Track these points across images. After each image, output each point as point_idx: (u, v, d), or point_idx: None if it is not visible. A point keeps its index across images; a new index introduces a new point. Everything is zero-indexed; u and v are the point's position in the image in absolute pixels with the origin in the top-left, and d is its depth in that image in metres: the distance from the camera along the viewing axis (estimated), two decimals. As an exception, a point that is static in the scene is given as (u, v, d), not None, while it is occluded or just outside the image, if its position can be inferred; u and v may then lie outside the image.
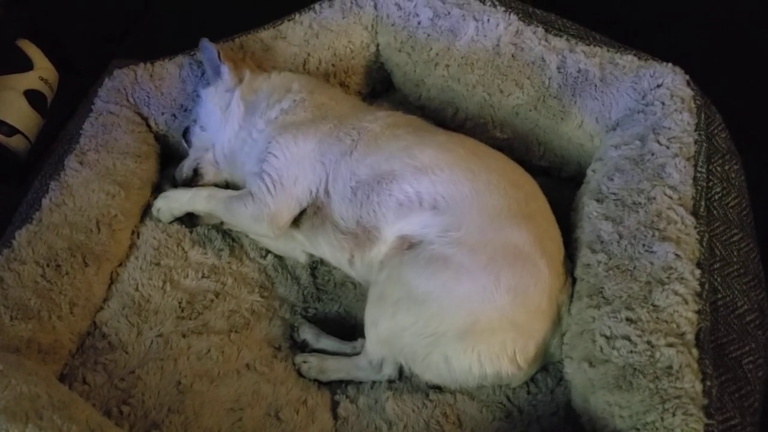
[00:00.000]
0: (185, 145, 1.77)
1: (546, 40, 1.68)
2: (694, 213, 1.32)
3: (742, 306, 1.27)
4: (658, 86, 1.55)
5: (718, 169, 1.42)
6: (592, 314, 1.28)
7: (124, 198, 1.62)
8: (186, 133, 1.76)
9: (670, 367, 1.14)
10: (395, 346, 1.38)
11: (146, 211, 1.69)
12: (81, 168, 1.61)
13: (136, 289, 1.54)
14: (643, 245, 1.30)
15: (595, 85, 1.62)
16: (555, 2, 1.82)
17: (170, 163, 1.86)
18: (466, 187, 1.40)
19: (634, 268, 1.28)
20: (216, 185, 1.69)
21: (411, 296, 1.33)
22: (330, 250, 1.55)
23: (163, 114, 1.82)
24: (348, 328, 1.65)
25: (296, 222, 1.56)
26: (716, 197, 1.38)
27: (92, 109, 1.75)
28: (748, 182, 1.48)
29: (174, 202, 1.64)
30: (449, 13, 1.77)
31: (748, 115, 1.83)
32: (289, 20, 1.88)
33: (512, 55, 1.71)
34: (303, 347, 1.60)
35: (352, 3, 1.88)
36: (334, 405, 1.46)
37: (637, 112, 1.55)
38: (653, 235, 1.30)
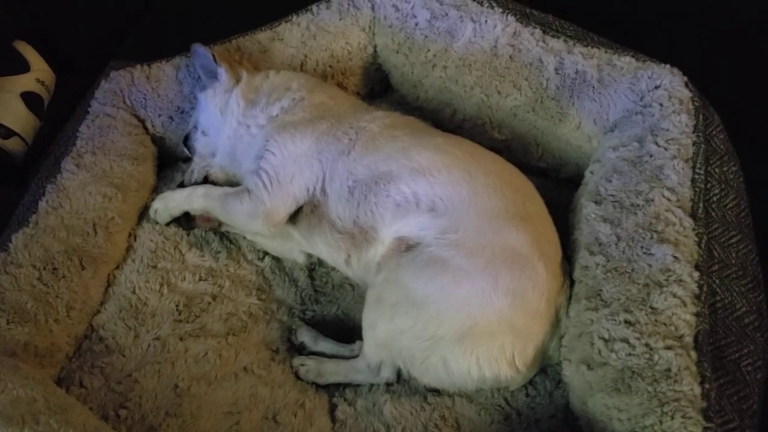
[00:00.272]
0: (184, 149, 1.76)
1: (544, 42, 1.68)
2: (693, 215, 1.32)
3: (740, 308, 1.27)
4: (656, 87, 1.54)
5: (717, 170, 1.42)
6: (590, 317, 1.28)
7: (121, 200, 1.61)
8: (187, 139, 1.75)
9: (668, 369, 1.14)
10: (393, 349, 1.38)
11: (143, 214, 1.69)
12: (78, 170, 1.60)
13: (133, 292, 1.54)
14: (642, 247, 1.30)
15: (593, 87, 1.62)
16: (553, 3, 1.82)
17: (167, 165, 1.86)
18: (464, 189, 1.40)
19: (633, 270, 1.28)
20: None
21: (409, 299, 1.32)
22: (327, 249, 1.55)
23: (160, 116, 1.81)
24: (346, 331, 1.65)
25: (293, 220, 1.56)
26: (714, 199, 1.38)
27: (89, 111, 1.75)
28: (746, 184, 1.48)
29: (171, 201, 1.63)
30: (447, 14, 1.77)
31: (746, 117, 1.83)
32: (286, 22, 1.88)
33: (510, 57, 1.71)
34: (301, 350, 1.60)
35: (349, 4, 1.88)
36: (332, 408, 1.46)
37: (635, 113, 1.55)
38: (651, 237, 1.30)
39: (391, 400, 1.42)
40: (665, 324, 1.19)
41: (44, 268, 1.43)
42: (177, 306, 1.53)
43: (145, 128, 1.81)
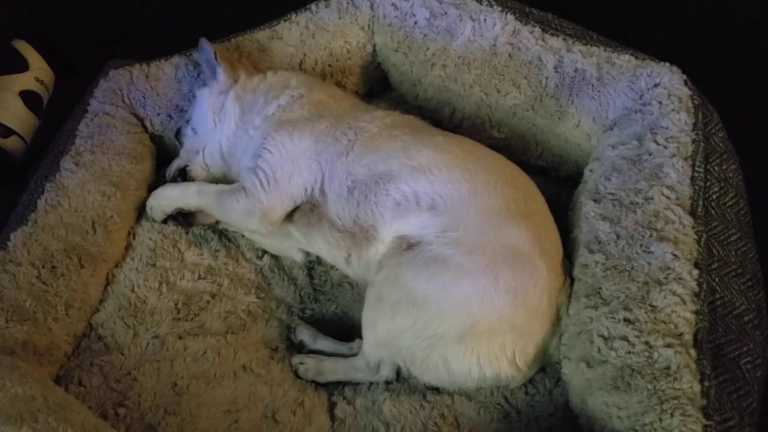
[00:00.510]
0: (178, 145, 1.77)
1: (543, 40, 1.68)
2: (692, 213, 1.32)
3: (740, 306, 1.27)
4: (656, 86, 1.55)
5: (716, 168, 1.42)
6: (589, 315, 1.28)
7: (120, 199, 1.61)
8: (178, 133, 1.76)
9: (668, 367, 1.13)
10: (393, 347, 1.38)
11: (142, 212, 1.69)
12: (77, 169, 1.60)
13: (132, 291, 1.53)
14: (641, 245, 1.30)
15: (592, 85, 1.62)
16: (552, 2, 1.82)
17: (166, 163, 1.85)
18: (464, 188, 1.39)
19: (632, 268, 1.28)
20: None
21: (409, 298, 1.32)
22: (326, 247, 1.54)
23: (158, 115, 1.81)
24: (345, 329, 1.65)
25: (291, 218, 1.55)
26: (714, 197, 1.38)
27: (88, 109, 1.75)
28: (745, 182, 1.48)
29: (164, 199, 1.63)
30: (446, 13, 1.77)
31: (745, 115, 1.84)
32: (285, 20, 1.88)
33: (509, 55, 1.71)
34: (300, 348, 1.59)
35: (348, 3, 1.88)
36: (331, 406, 1.45)
37: (634, 111, 1.55)
38: (651, 236, 1.30)
39: (391, 399, 1.41)
40: (665, 322, 1.19)
41: (43, 267, 1.43)
42: (176, 304, 1.53)
43: (144, 127, 1.82)
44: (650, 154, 1.42)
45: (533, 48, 1.68)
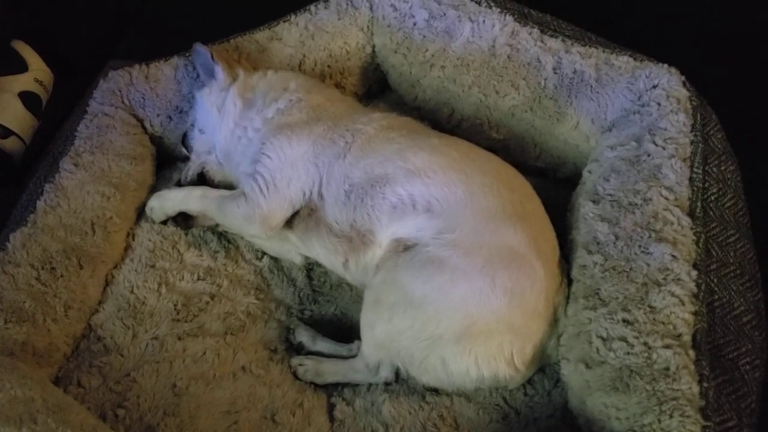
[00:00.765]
0: (183, 148, 1.76)
1: (542, 41, 1.68)
2: (691, 214, 1.32)
3: (738, 307, 1.27)
4: (654, 87, 1.55)
5: (714, 169, 1.42)
6: (588, 316, 1.28)
7: (119, 200, 1.61)
8: (185, 138, 1.75)
9: (666, 368, 1.14)
10: (392, 349, 1.38)
11: (141, 213, 1.69)
12: (76, 170, 1.60)
13: (131, 292, 1.54)
14: (640, 246, 1.30)
15: (591, 86, 1.62)
16: (551, 3, 1.82)
17: (165, 164, 1.86)
18: (460, 190, 1.40)
19: (631, 269, 1.28)
20: (225, 187, 1.67)
21: (407, 300, 1.32)
22: (324, 253, 1.54)
23: (158, 115, 1.81)
24: (344, 330, 1.65)
25: (290, 224, 1.56)
26: (712, 198, 1.38)
27: (87, 110, 1.75)
28: (744, 183, 1.48)
29: (167, 201, 1.63)
30: (445, 14, 1.77)
31: (744, 116, 1.83)
32: (284, 21, 1.88)
33: (508, 56, 1.71)
34: (299, 350, 1.59)
35: (347, 4, 1.88)
36: (331, 407, 1.46)
37: (632, 112, 1.55)
38: (649, 237, 1.30)
39: (390, 400, 1.41)
40: (663, 323, 1.19)
41: (42, 268, 1.43)
42: (175, 305, 1.53)
43: (144, 128, 1.82)
44: (649, 155, 1.42)
45: (532, 49, 1.68)
